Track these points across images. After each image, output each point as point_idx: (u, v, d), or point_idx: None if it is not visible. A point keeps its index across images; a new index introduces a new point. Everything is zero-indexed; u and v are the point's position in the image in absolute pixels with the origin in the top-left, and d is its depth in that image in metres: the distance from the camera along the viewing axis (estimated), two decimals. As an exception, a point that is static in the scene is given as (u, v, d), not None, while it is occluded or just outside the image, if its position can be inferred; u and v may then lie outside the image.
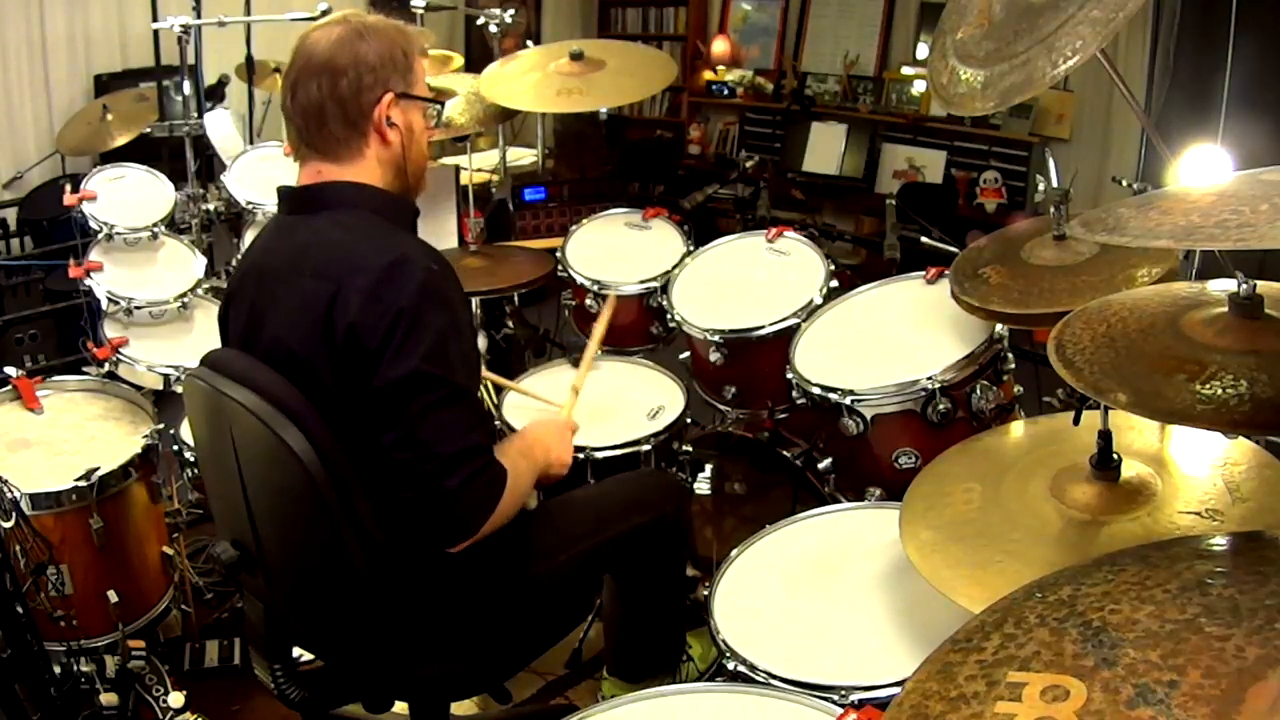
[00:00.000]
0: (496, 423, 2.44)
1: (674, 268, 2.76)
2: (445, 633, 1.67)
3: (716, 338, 2.46)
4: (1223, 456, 1.47)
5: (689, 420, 2.51)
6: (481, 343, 3.00)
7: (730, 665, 1.56)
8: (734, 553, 1.82)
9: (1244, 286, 1.26)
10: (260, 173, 3.30)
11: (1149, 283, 1.74)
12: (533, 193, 4.47)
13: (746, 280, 2.66)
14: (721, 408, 2.60)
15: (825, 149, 5.80)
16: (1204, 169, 1.88)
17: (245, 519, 1.62)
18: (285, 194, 1.67)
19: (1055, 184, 1.98)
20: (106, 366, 2.74)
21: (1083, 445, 1.48)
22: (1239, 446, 1.47)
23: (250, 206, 3.21)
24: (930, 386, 1.99)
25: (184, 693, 2.14)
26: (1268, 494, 1.38)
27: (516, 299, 3.29)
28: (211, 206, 3.47)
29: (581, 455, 2.25)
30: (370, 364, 1.48)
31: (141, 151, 3.76)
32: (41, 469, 2.23)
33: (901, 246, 2.56)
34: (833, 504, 1.97)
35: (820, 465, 2.21)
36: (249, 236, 3.22)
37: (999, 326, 2.04)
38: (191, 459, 2.56)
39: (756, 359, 2.45)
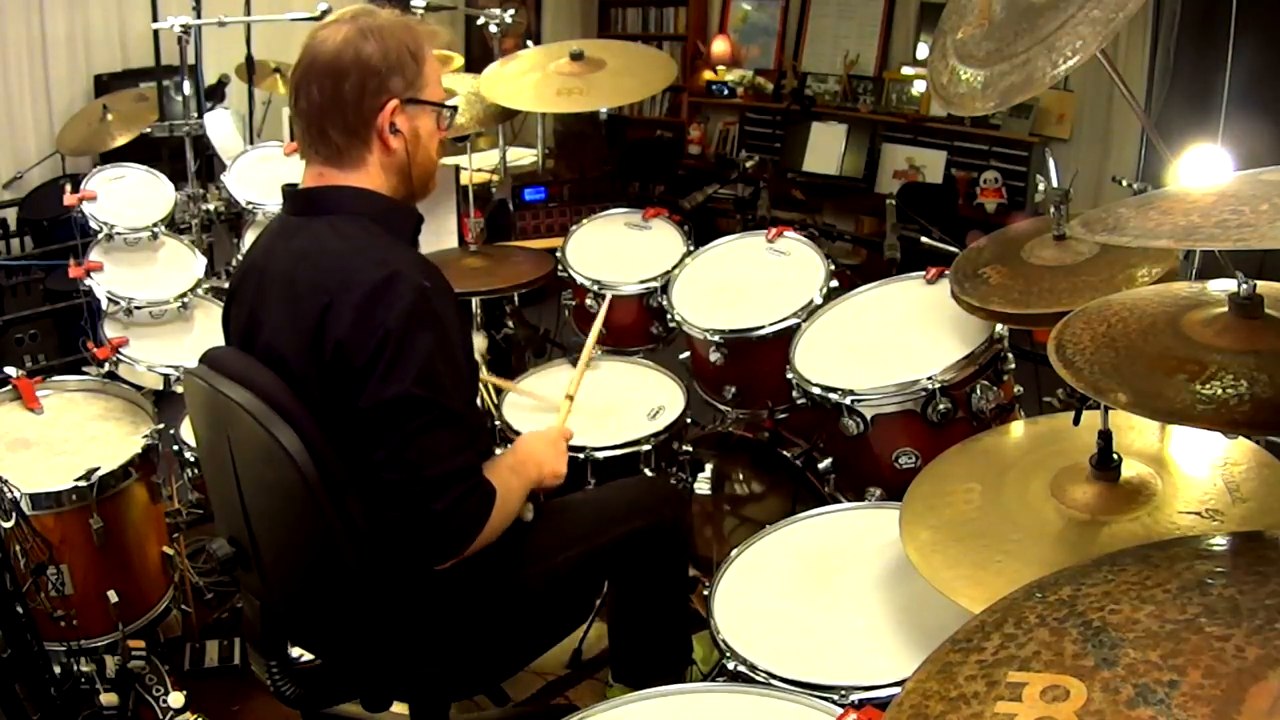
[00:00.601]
0: (497, 423, 2.44)
1: (674, 268, 2.76)
2: (440, 632, 1.66)
3: (716, 338, 2.46)
4: (1223, 456, 1.46)
5: (689, 420, 2.51)
6: (481, 343, 3.00)
7: (730, 665, 1.56)
8: (734, 553, 1.82)
9: (1244, 286, 1.26)
10: (260, 173, 3.30)
11: (1149, 283, 1.74)
12: (533, 193, 4.47)
13: (746, 280, 2.66)
14: (721, 408, 2.60)
15: (825, 149, 5.80)
16: (1204, 169, 1.88)
17: (241, 516, 1.62)
18: (289, 194, 1.67)
19: (1055, 184, 1.98)
20: (106, 366, 2.74)
21: (1083, 445, 1.48)
22: (1239, 446, 1.47)
23: (250, 206, 3.21)
24: (930, 386, 1.99)
25: (184, 693, 2.14)
26: (1268, 494, 1.38)
27: (516, 299, 3.29)
28: (211, 206, 3.47)
29: (581, 455, 2.25)
30: (358, 382, 1.47)
31: (141, 151, 3.76)
32: (41, 469, 2.23)
33: (901, 246, 2.56)
34: (833, 504, 1.97)
35: (820, 465, 2.21)
36: (249, 236, 3.22)
37: (999, 326, 2.04)
38: (192, 459, 2.56)
39: (756, 359, 2.45)
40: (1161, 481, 1.44)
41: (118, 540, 2.25)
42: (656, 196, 5.46)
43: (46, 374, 2.60)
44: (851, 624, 1.61)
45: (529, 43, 3.39)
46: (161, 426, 2.41)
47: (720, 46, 6.42)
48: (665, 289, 2.71)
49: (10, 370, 2.45)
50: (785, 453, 2.49)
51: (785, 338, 2.35)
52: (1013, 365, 2.11)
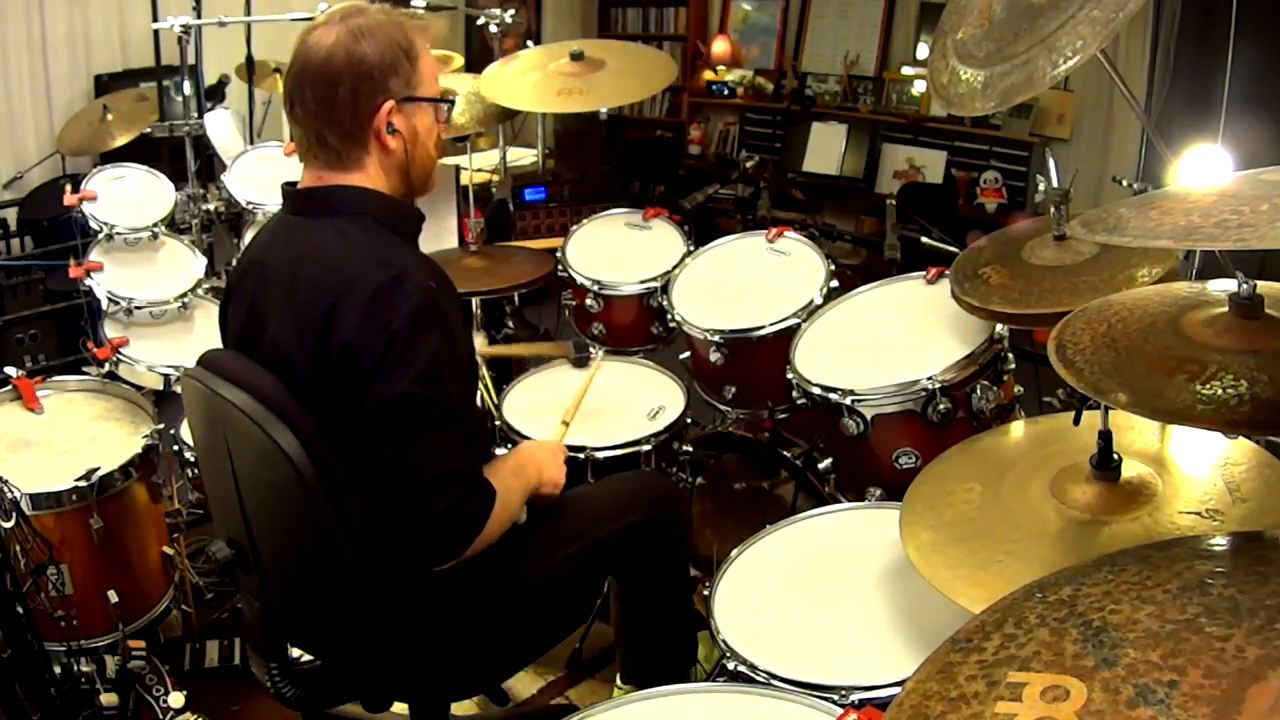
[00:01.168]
0: (497, 423, 2.44)
1: (674, 268, 2.76)
2: (439, 632, 1.66)
3: (716, 338, 2.46)
4: (1223, 456, 1.46)
5: (689, 420, 2.51)
6: (481, 343, 3.00)
7: (731, 665, 1.56)
8: (734, 553, 1.82)
9: (1244, 286, 1.26)
10: (260, 173, 3.30)
11: (1149, 283, 1.74)
12: (533, 193, 4.47)
13: (747, 280, 2.66)
14: (721, 408, 2.60)
15: (825, 149, 5.80)
16: (1204, 169, 1.88)
17: (240, 518, 1.62)
18: (288, 193, 1.66)
19: (1055, 184, 1.98)
20: (107, 366, 2.73)
21: (1083, 445, 1.48)
22: (1239, 446, 1.47)
23: (250, 206, 3.21)
24: (930, 386, 1.99)
25: (184, 693, 2.14)
26: (1268, 494, 1.38)
27: (517, 299, 3.30)
28: (212, 206, 3.47)
29: (581, 455, 2.25)
30: (363, 382, 1.47)
31: (141, 151, 3.76)
32: (41, 469, 2.23)
33: (902, 246, 2.57)
34: (833, 504, 1.97)
35: (820, 465, 2.21)
36: (249, 236, 3.21)
37: (999, 326, 2.04)
38: (192, 459, 2.56)
39: (756, 359, 2.45)
40: (1161, 481, 1.44)
41: (118, 540, 2.25)
42: (656, 196, 5.46)
43: (47, 374, 2.60)
44: (852, 624, 1.61)
45: (529, 43, 3.40)
46: (161, 426, 2.41)
47: (720, 47, 6.42)
48: (665, 289, 2.71)
49: (10, 370, 2.45)
50: (785, 453, 2.49)
51: (785, 338, 2.35)
52: (1013, 365, 2.11)
